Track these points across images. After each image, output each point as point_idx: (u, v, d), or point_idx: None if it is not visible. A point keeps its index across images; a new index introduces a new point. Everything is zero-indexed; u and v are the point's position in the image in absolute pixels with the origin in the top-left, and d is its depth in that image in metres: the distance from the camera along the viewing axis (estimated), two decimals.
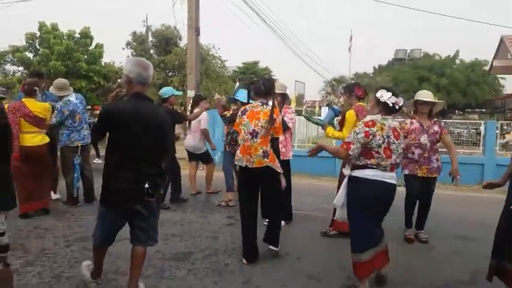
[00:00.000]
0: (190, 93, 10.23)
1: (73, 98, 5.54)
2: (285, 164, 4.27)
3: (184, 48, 19.73)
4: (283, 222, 4.46)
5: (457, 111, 30.13)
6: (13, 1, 15.89)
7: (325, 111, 19.02)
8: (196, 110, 6.08)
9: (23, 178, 4.60)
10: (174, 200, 5.89)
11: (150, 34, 25.19)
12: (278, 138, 3.61)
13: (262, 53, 79.72)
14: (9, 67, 18.32)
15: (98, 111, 11.55)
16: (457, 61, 32.56)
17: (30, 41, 17.95)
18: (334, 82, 38.49)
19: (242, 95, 5.71)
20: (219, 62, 26.03)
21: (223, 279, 3.37)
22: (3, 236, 2.25)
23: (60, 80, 5.71)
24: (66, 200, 5.62)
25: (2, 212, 2.26)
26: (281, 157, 4.03)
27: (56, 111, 5.33)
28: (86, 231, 4.34)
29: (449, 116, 23.62)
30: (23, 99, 4.86)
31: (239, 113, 3.81)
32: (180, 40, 24.21)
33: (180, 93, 8.38)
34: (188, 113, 6.75)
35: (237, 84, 10.36)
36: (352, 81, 29.97)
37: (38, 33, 17.86)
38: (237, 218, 5.15)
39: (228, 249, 4.08)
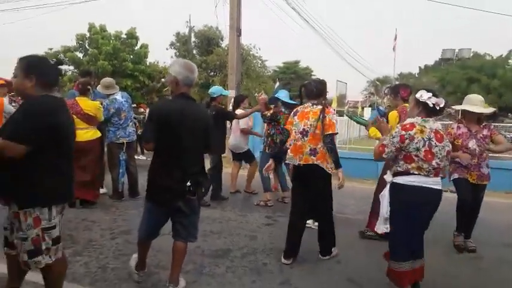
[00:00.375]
0: (231, 93, 10.32)
1: (119, 96, 5.73)
2: None
3: (226, 48, 20.01)
4: (312, 223, 4.42)
5: (510, 114, 28.51)
6: (67, 3, 16.73)
7: (368, 112, 18.64)
8: (240, 110, 6.12)
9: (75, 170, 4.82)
10: (215, 198, 5.96)
11: (193, 35, 25.76)
12: (331, 134, 3.55)
13: (303, 52, 79.28)
14: (60, 66, 19.24)
15: (142, 110, 11.95)
16: (510, 61, 30.88)
17: (80, 42, 18.87)
18: (377, 82, 37.69)
19: (283, 95, 5.71)
20: (260, 62, 26.21)
21: (262, 278, 3.38)
22: (55, 229, 2.34)
23: (107, 79, 5.94)
24: (112, 194, 5.84)
25: (57, 206, 2.36)
26: None
27: (102, 109, 5.56)
28: (130, 224, 4.50)
29: (501, 120, 22.41)
30: (76, 98, 5.13)
31: (291, 114, 3.85)
32: (222, 40, 24.63)
33: (228, 93, 8.49)
34: None
35: (277, 84, 10.37)
36: (397, 82, 29.15)
37: (88, 34, 18.71)
38: (275, 219, 5.16)
39: (266, 249, 4.08)
